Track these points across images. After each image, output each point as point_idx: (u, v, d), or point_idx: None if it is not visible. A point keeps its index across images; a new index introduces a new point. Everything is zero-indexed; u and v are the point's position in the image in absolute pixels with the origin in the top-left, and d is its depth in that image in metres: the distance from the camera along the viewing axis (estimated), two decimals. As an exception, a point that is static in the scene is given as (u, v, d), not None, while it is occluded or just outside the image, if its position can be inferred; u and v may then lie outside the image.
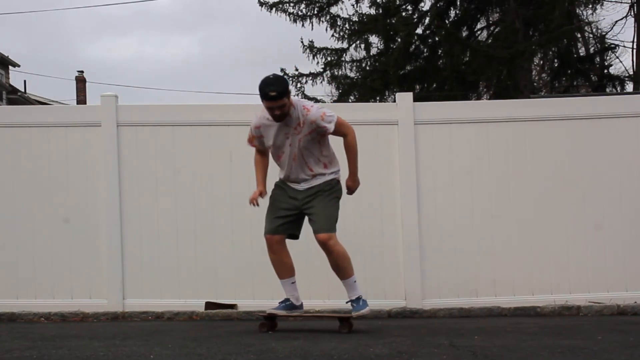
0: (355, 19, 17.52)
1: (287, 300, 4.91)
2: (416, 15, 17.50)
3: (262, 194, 4.86)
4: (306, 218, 4.88)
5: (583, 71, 18.57)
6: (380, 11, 17.26)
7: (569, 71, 18.47)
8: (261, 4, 17.32)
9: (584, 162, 6.18)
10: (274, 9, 17.34)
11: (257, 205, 4.84)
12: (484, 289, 6.08)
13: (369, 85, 17.07)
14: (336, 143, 4.89)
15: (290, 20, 17.45)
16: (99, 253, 6.09)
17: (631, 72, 19.04)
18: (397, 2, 17.46)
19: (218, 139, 6.16)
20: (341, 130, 4.74)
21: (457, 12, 17.84)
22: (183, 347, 4.16)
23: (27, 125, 6.20)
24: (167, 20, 71.93)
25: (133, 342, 4.34)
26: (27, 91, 33.94)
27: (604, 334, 4.56)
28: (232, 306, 5.99)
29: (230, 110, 6.28)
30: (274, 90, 4.47)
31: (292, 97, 4.66)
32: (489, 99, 17.25)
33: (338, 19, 17.52)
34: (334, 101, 19.75)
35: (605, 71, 19.11)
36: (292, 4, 17.40)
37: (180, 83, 65.91)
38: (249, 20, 73.19)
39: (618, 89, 17.98)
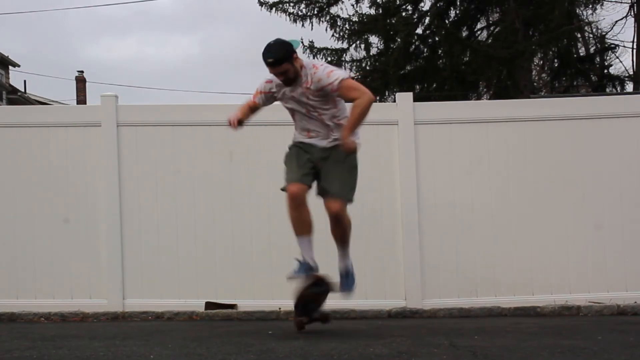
0: (355, 19, 17.53)
1: (304, 263, 4.65)
2: (416, 15, 17.49)
3: (240, 121, 4.71)
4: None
5: (583, 71, 18.57)
6: (380, 11, 17.26)
7: (569, 71, 18.47)
8: (261, 4, 17.33)
9: (584, 162, 6.18)
10: (274, 9, 17.35)
11: (235, 126, 4.70)
12: (484, 289, 6.08)
13: (369, 85, 17.03)
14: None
15: (290, 20, 17.47)
16: (99, 253, 6.09)
17: (631, 72, 19.04)
18: (397, 2, 17.46)
19: (218, 139, 6.16)
20: (350, 94, 4.51)
21: (457, 12, 17.84)
22: (183, 347, 4.16)
23: (27, 125, 6.20)
24: (167, 20, 71.96)
25: (133, 342, 4.34)
26: (27, 91, 33.95)
27: (604, 334, 4.56)
28: (232, 306, 5.99)
29: (230, 110, 6.19)
30: (272, 57, 4.38)
31: (300, 58, 4.53)
32: (489, 99, 17.25)
33: (338, 19, 17.53)
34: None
35: (605, 71, 19.11)
36: (292, 4, 17.41)
37: (181, 83, 65.95)
38: (249, 20, 73.19)
39: (618, 89, 17.98)
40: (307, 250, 4.67)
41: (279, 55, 4.38)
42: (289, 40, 4.54)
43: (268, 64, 4.42)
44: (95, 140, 6.14)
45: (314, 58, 17.64)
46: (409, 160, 6.12)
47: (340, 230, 4.68)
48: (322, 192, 4.64)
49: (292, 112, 4.71)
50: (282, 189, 4.66)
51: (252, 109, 4.80)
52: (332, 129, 4.62)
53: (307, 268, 4.64)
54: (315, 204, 4.65)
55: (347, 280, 4.79)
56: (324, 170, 4.61)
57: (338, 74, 4.50)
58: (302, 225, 4.64)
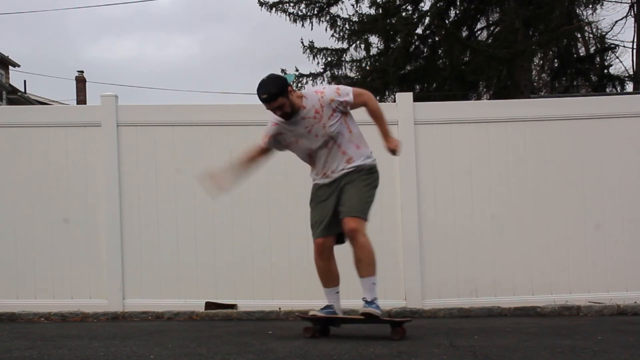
0: (355, 19, 17.53)
1: (329, 306, 4.60)
2: (416, 15, 17.49)
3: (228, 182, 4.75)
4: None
5: (583, 71, 18.58)
6: (380, 11, 17.26)
7: (569, 71, 18.48)
8: (261, 4, 17.33)
9: (584, 162, 6.18)
10: (274, 9, 17.35)
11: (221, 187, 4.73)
12: (484, 289, 6.08)
13: (369, 85, 17.04)
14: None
15: (290, 20, 17.47)
16: (99, 253, 6.09)
17: (631, 72, 19.06)
18: (397, 2, 17.46)
19: (218, 139, 6.16)
20: (360, 99, 4.54)
21: (457, 12, 17.83)
22: (183, 347, 4.16)
23: (27, 125, 6.20)
24: (167, 20, 71.97)
25: (133, 342, 4.34)
26: (27, 91, 33.93)
27: (604, 334, 4.56)
28: (232, 306, 5.99)
29: (230, 110, 6.29)
30: (265, 92, 4.38)
31: (297, 90, 4.55)
32: (489, 98, 17.24)
33: (338, 19, 17.53)
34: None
35: (605, 71, 19.11)
36: (292, 4, 17.41)
37: (181, 83, 65.94)
38: (249, 21, 73.21)
39: (618, 89, 17.98)
40: (334, 300, 4.63)
41: (273, 91, 4.38)
42: (283, 75, 4.61)
43: (263, 100, 4.43)
44: (95, 140, 6.15)
45: (314, 58, 17.68)
46: (409, 160, 6.12)
47: (360, 253, 4.45)
48: (340, 209, 4.54)
49: (307, 153, 4.61)
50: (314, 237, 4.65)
51: (262, 152, 4.76)
52: (352, 157, 4.55)
53: (331, 312, 4.59)
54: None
55: (373, 304, 4.47)
56: (341, 194, 4.53)
57: (346, 88, 4.56)
58: (328, 276, 4.63)
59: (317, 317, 4.56)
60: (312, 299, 5.97)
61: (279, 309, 5.84)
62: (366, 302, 4.44)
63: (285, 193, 6.13)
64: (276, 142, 4.67)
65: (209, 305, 5.99)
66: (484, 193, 6.18)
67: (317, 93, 4.52)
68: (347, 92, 4.51)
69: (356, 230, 4.43)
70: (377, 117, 4.61)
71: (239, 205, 6.13)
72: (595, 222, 6.12)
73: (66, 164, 6.15)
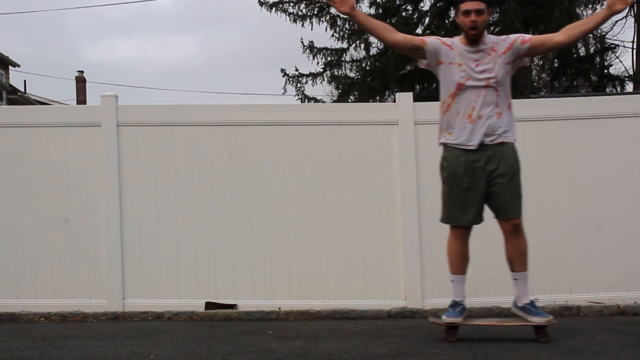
0: (355, 19, 17.50)
1: (458, 304, 4.42)
2: (416, 15, 17.50)
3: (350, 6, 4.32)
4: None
5: (583, 71, 18.56)
6: (380, 11, 17.26)
7: (569, 71, 18.46)
8: (261, 4, 17.34)
9: (584, 162, 6.18)
10: (273, 8, 17.36)
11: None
12: (484, 289, 6.08)
13: (369, 85, 17.07)
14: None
15: (290, 20, 17.48)
16: (99, 253, 6.09)
17: (631, 72, 19.03)
18: (397, 2, 17.46)
19: (218, 139, 6.16)
20: (542, 37, 4.41)
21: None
22: (183, 347, 4.16)
23: (27, 125, 6.20)
24: (167, 21, 71.98)
25: (133, 342, 4.34)
26: (27, 91, 33.94)
27: (604, 334, 4.56)
28: (232, 306, 5.99)
29: (231, 110, 6.29)
30: None
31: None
32: (489, 98, 17.21)
33: (338, 19, 17.52)
34: (334, 101, 19.77)
35: (605, 71, 19.10)
36: (292, 4, 17.42)
37: (181, 83, 65.95)
38: (249, 21, 73.22)
39: (618, 89, 17.97)
40: (461, 290, 4.48)
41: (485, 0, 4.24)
42: None
43: None
44: (95, 140, 6.14)
45: (313, 58, 17.66)
46: (409, 160, 6.12)
47: (518, 245, 4.41)
48: (495, 210, 4.43)
49: (459, 87, 4.33)
50: (442, 222, 4.52)
51: (413, 42, 4.43)
52: (501, 112, 4.31)
53: (462, 309, 4.44)
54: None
55: (537, 309, 4.36)
56: (495, 190, 4.36)
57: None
58: (463, 261, 4.49)
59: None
60: (312, 299, 5.99)
61: (279, 309, 5.84)
62: (528, 306, 4.34)
63: (285, 193, 6.13)
64: (435, 52, 4.40)
65: (209, 305, 5.99)
66: (484, 193, 6.16)
67: (498, 37, 4.40)
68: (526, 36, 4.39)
69: (517, 226, 4.40)
70: (579, 25, 4.38)
71: (239, 205, 6.13)
72: (595, 222, 6.12)
73: (66, 164, 6.14)
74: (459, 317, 4.39)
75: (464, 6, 4.26)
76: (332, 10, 17.47)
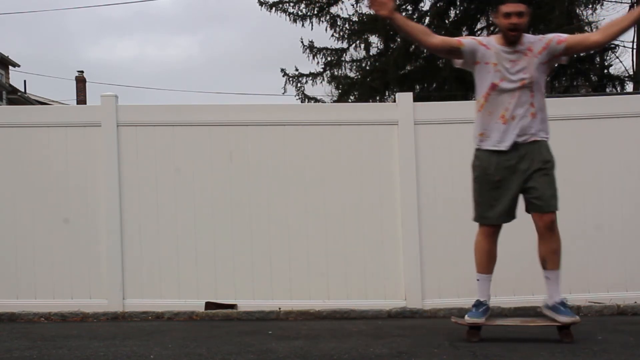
0: (355, 19, 17.52)
1: (482, 303, 4.42)
2: (416, 15, 17.47)
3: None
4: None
5: (583, 71, 18.54)
6: (380, 11, 17.23)
7: (569, 71, 18.44)
8: (261, 4, 17.32)
9: (584, 162, 6.18)
10: (273, 8, 17.33)
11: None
12: (484, 289, 6.07)
13: (369, 85, 17.06)
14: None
15: (290, 20, 17.45)
16: (99, 253, 6.09)
17: (631, 72, 19.01)
18: (397, 2, 17.44)
19: (218, 139, 6.16)
20: (578, 36, 4.43)
21: (457, 12, 17.82)
22: (183, 347, 4.16)
23: (27, 125, 6.19)
24: (167, 21, 71.99)
25: (133, 342, 4.34)
26: (27, 91, 33.94)
27: (604, 334, 4.56)
28: (232, 306, 5.99)
29: (231, 110, 6.29)
30: None
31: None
32: (489, 99, 17.21)
33: (338, 19, 17.51)
34: (334, 101, 19.76)
35: (605, 71, 19.08)
36: (292, 4, 17.40)
37: (181, 83, 65.97)
38: (249, 21, 73.24)
39: (618, 89, 17.96)
40: (487, 289, 4.48)
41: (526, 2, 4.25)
42: None
43: None
44: (95, 140, 6.14)
45: (313, 58, 17.66)
46: (409, 160, 6.12)
47: (553, 243, 4.40)
48: (530, 205, 4.42)
49: (493, 87, 4.34)
50: (475, 221, 4.51)
51: (450, 44, 4.43)
52: (536, 113, 4.32)
53: (486, 309, 4.43)
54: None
55: (566, 309, 4.32)
56: (531, 184, 4.36)
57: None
58: (490, 260, 4.48)
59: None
60: (312, 299, 5.99)
61: (279, 309, 5.84)
62: (557, 304, 4.31)
63: (285, 193, 6.13)
64: (471, 52, 4.38)
65: (209, 305, 5.99)
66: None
67: (534, 37, 4.39)
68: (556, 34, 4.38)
69: (553, 222, 4.39)
70: (615, 24, 4.33)
71: (239, 205, 6.13)
72: (595, 222, 6.12)
73: (66, 164, 6.14)
74: (482, 317, 4.37)
75: (505, 8, 4.26)
76: (332, 10, 17.50)
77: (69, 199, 6.12)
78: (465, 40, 4.43)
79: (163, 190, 6.14)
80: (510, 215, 4.43)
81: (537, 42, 4.35)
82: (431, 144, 6.19)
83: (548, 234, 4.38)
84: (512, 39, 4.30)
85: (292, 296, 6.03)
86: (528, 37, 4.38)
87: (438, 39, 4.45)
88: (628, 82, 18.40)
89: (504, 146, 4.33)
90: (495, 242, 4.47)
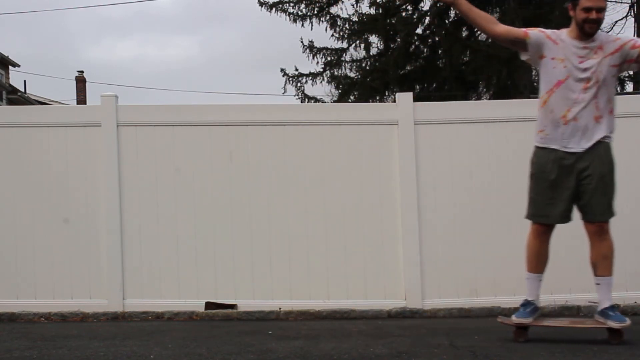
0: (355, 19, 17.52)
1: (530, 303, 4.34)
2: (416, 15, 17.48)
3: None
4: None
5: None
6: (380, 11, 17.25)
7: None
8: (261, 4, 17.32)
9: (584, 162, 6.17)
10: (273, 9, 17.34)
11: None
12: (484, 289, 6.08)
13: (369, 85, 17.06)
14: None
15: (290, 20, 17.45)
16: (99, 253, 6.09)
17: (631, 72, 19.01)
18: (397, 2, 17.45)
19: (218, 139, 6.16)
20: None
21: (457, 12, 17.81)
22: (183, 347, 4.16)
23: (27, 125, 6.20)
24: (167, 21, 72.01)
25: (133, 342, 4.34)
26: (27, 91, 33.95)
27: (603, 334, 4.56)
28: (232, 306, 5.99)
29: (231, 110, 6.29)
30: None
31: None
32: (489, 99, 17.24)
33: (338, 19, 17.51)
34: (334, 101, 19.75)
35: (605, 71, 19.04)
36: (292, 4, 17.40)
37: (181, 83, 66.01)
38: (249, 21, 73.26)
39: (618, 89, 17.96)
40: (536, 289, 4.38)
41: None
42: None
43: None
44: (95, 141, 6.14)
45: (313, 58, 17.66)
46: (409, 160, 6.12)
47: (604, 248, 4.31)
48: (581, 210, 4.35)
49: (558, 84, 4.22)
50: (528, 219, 4.43)
51: (515, 34, 4.32)
52: (601, 109, 4.20)
53: (534, 309, 4.35)
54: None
55: (617, 314, 4.29)
56: (584, 189, 4.26)
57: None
58: (541, 260, 4.39)
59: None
60: (312, 299, 5.99)
61: (279, 309, 5.84)
62: (606, 310, 4.30)
63: (285, 193, 6.13)
64: (537, 45, 4.28)
65: (209, 305, 5.99)
66: (484, 193, 6.16)
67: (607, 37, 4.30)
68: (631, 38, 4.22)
69: (603, 228, 4.29)
70: None
71: (239, 205, 6.13)
72: (595, 222, 6.11)
73: (66, 164, 6.15)
74: (530, 317, 4.31)
75: (586, 2, 4.11)
76: (332, 10, 17.50)
77: (69, 199, 6.12)
78: (532, 32, 4.31)
79: (163, 190, 6.14)
80: (566, 216, 4.34)
81: (611, 43, 4.22)
82: (431, 144, 6.19)
83: (597, 239, 4.30)
84: (589, 32, 4.16)
85: (292, 296, 6.03)
86: (601, 36, 4.25)
87: (502, 28, 4.36)
88: (628, 82, 18.40)
89: (563, 147, 4.24)
90: (547, 241, 4.39)
